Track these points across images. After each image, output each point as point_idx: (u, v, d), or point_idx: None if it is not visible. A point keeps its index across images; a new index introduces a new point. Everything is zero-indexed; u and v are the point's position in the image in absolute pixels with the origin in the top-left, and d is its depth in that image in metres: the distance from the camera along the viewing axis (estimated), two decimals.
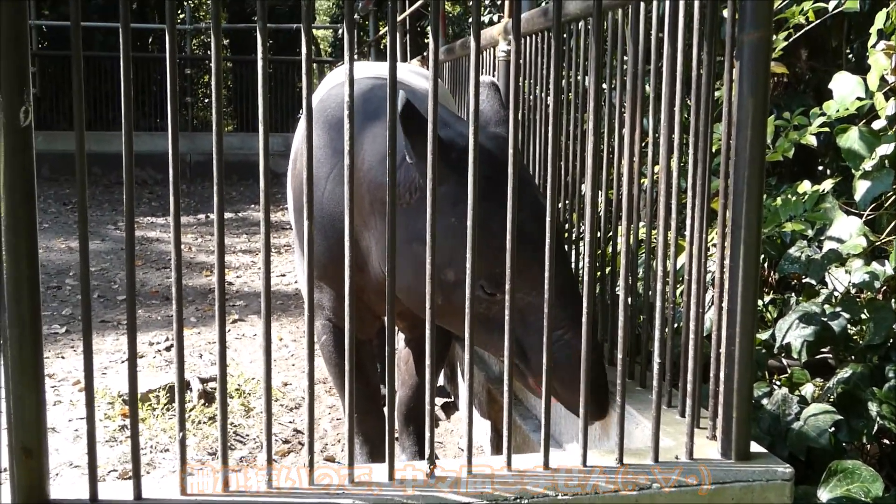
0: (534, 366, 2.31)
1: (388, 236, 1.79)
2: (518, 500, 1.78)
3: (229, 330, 5.91)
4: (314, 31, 19.11)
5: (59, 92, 16.10)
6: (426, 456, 1.86)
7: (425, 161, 2.28)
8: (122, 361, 5.22)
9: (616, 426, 1.96)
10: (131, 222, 1.70)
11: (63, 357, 5.33)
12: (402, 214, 2.39)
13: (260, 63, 1.69)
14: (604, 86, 2.78)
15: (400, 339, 3.52)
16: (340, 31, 16.09)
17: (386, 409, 1.85)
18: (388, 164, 1.78)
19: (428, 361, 1.83)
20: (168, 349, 5.53)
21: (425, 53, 6.37)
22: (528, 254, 2.19)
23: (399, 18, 8.06)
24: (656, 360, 1.95)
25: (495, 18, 8.13)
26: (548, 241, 1.87)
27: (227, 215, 10.39)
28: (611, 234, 2.76)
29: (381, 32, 12.82)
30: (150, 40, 18.60)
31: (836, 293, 2.89)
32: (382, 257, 2.58)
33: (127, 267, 1.70)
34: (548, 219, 1.88)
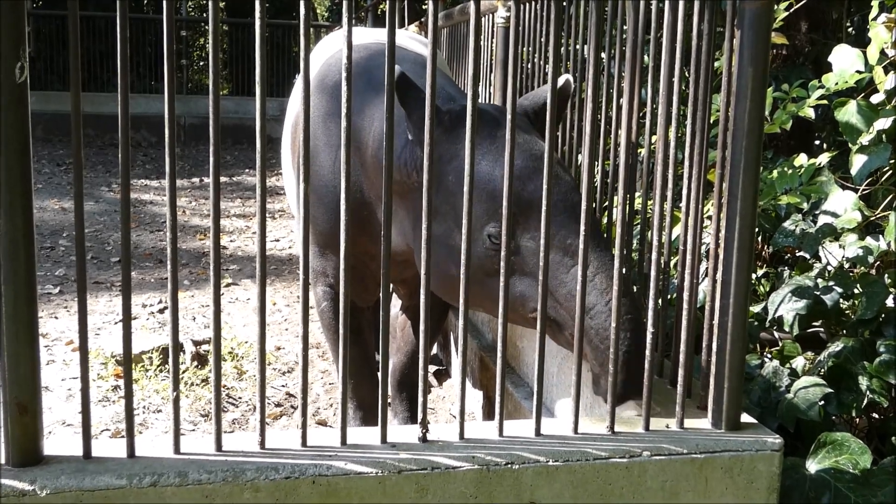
0: (564, 310, 2.14)
1: (385, 209, 1.79)
2: (509, 466, 1.79)
3: (222, 294, 5.91)
4: None
5: (54, 52, 15.97)
6: (419, 421, 1.87)
7: (422, 130, 2.29)
8: (116, 322, 5.23)
9: (609, 396, 1.97)
10: (127, 186, 1.69)
11: (56, 317, 5.33)
12: (414, 192, 2.39)
13: (258, 31, 1.68)
14: (603, 55, 2.77)
15: (396, 305, 3.53)
16: None
17: (380, 374, 1.86)
18: (386, 136, 1.77)
19: (422, 327, 1.84)
20: (161, 311, 5.53)
21: (423, 19, 6.32)
22: (532, 189, 2.15)
23: None
24: (649, 329, 1.95)
25: None
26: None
27: (222, 179, 10.34)
28: (606, 204, 2.76)
29: None
30: (146, 1, 18.42)
31: (829, 267, 2.90)
32: (396, 232, 2.57)
33: (122, 229, 1.69)
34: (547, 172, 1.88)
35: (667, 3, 2.06)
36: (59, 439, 3.55)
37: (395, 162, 2.45)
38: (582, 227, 1.88)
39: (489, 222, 2.19)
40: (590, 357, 2.10)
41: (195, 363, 4.40)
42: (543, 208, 1.85)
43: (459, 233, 2.21)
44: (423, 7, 12.91)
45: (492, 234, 2.19)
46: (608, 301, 2.00)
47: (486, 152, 2.23)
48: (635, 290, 2.46)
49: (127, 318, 1.72)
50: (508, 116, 1.80)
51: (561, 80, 2.49)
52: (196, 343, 4.58)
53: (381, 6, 11.88)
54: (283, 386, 4.36)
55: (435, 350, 4.66)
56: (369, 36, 3.22)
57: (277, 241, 7.95)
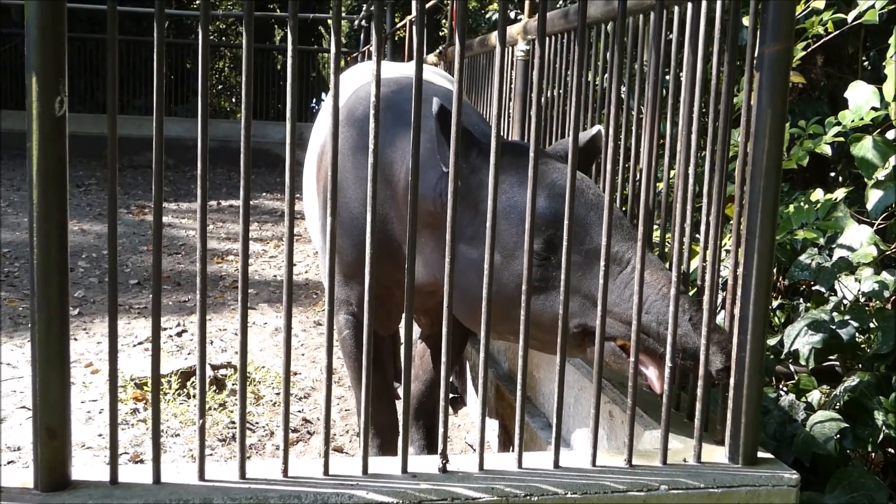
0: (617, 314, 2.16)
1: (409, 240, 1.82)
2: (528, 497, 1.82)
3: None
4: (328, 21, 19.15)
5: (75, 74, 16.16)
6: (438, 451, 1.89)
7: (463, 158, 2.35)
8: (134, 345, 5.27)
9: (626, 427, 1.99)
10: (159, 211, 1.73)
11: (76, 339, 5.38)
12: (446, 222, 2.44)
13: (290, 62, 1.73)
14: (623, 89, 2.81)
15: (415, 332, 3.56)
16: (356, 22, 16.10)
17: (400, 404, 1.89)
18: (412, 169, 1.81)
19: (444, 359, 1.87)
20: (179, 335, 5.58)
21: (441, 49, 6.39)
22: (580, 208, 2.23)
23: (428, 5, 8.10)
24: (667, 363, 1.98)
25: (513, 15, 8.14)
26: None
27: (238, 203, 10.42)
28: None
29: (396, 26, 12.84)
30: (167, 25, 18.64)
31: (845, 301, 2.91)
32: (424, 264, 2.62)
33: (154, 258, 1.73)
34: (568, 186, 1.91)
35: (687, 39, 2.10)
36: (82, 463, 3.59)
37: (429, 194, 2.50)
38: (601, 233, 1.92)
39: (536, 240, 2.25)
40: (646, 362, 2.12)
41: (213, 387, 4.44)
42: (563, 211, 1.88)
43: (498, 254, 2.28)
44: (441, 35, 13.02)
45: (535, 250, 2.25)
46: (661, 291, 2.07)
47: (524, 179, 2.29)
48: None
49: (156, 347, 1.76)
50: (533, 138, 1.84)
51: (593, 131, 2.56)
52: (214, 367, 4.62)
53: (399, 33, 11.98)
54: (299, 411, 4.39)
55: (451, 378, 4.68)
56: (397, 70, 3.27)
57: (295, 265, 7.98)
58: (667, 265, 2.25)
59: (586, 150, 2.58)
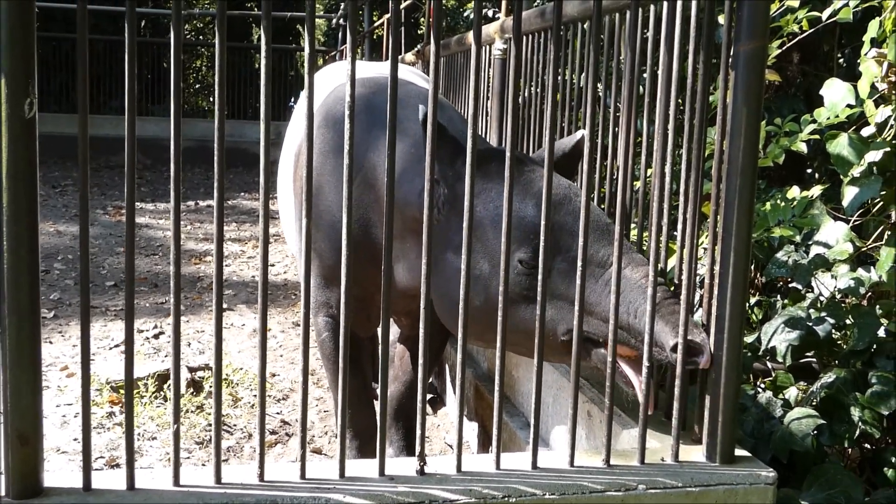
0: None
1: (385, 242, 1.81)
2: (506, 499, 1.81)
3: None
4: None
5: (49, 74, 16.01)
6: (416, 453, 1.88)
7: (448, 165, 2.34)
8: (110, 348, 5.23)
9: (603, 427, 1.99)
10: (132, 214, 1.71)
11: (51, 342, 5.33)
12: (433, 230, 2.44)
13: (263, 62, 1.71)
14: (599, 87, 2.81)
15: (394, 332, 3.55)
16: (334, 21, 16.05)
17: (378, 405, 1.87)
18: (388, 171, 1.80)
19: (421, 360, 1.86)
20: (156, 336, 5.54)
21: (419, 47, 6.38)
22: (567, 216, 2.23)
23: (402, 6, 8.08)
24: (645, 362, 1.97)
25: (490, 14, 8.14)
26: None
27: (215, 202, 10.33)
28: None
29: (375, 24, 12.81)
30: (143, 24, 18.51)
31: (821, 298, 2.92)
32: (408, 270, 2.61)
33: (126, 260, 1.71)
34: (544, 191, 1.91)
35: (662, 39, 2.10)
36: (56, 468, 3.55)
37: (414, 200, 2.48)
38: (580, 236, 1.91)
39: (518, 249, 2.25)
40: (627, 368, 2.12)
41: (190, 390, 4.40)
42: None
43: (486, 263, 2.28)
44: (419, 34, 13.00)
45: (523, 259, 2.25)
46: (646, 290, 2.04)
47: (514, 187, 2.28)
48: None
49: (129, 352, 1.74)
50: (509, 134, 1.83)
51: (577, 136, 2.55)
52: (191, 369, 4.58)
53: (378, 31, 11.95)
54: (278, 413, 4.37)
55: (430, 378, 4.68)
56: (373, 69, 3.25)
57: (273, 265, 7.96)
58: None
59: (571, 154, 2.56)
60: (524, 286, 2.25)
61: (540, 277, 1.92)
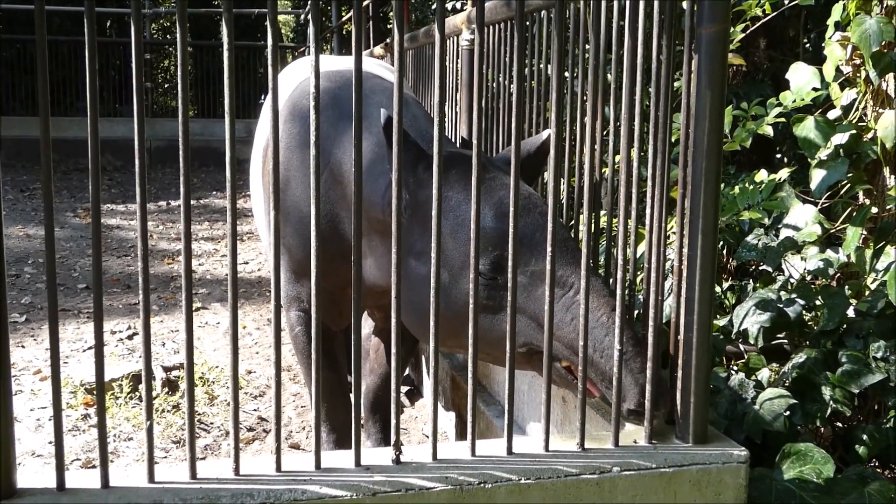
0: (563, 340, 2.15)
1: (354, 238, 1.81)
2: (482, 485, 1.82)
3: None
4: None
5: (16, 77, 15.83)
6: (392, 443, 1.89)
7: (410, 171, 2.31)
8: (84, 350, 5.19)
9: (578, 411, 2.00)
10: (97, 212, 1.70)
11: (23, 346, 5.28)
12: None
13: (226, 54, 1.70)
14: (566, 75, 2.81)
15: (368, 326, 3.54)
16: (302, 16, 15.98)
17: (352, 396, 1.87)
18: (354, 173, 1.80)
19: (394, 350, 1.86)
20: (130, 337, 5.50)
21: (388, 40, 6.37)
22: (525, 228, 2.20)
23: (364, 4, 8.05)
24: (616, 346, 1.99)
25: (458, 6, 8.13)
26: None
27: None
28: (573, 222, 2.80)
29: (343, 19, 12.77)
30: (109, 24, 18.33)
31: (791, 280, 2.95)
32: (377, 267, 2.60)
33: (94, 256, 1.70)
34: (511, 195, 1.91)
35: (627, 23, 2.11)
36: (32, 471, 3.52)
37: (377, 201, 2.47)
38: (548, 249, 1.92)
39: (481, 260, 2.20)
40: (596, 385, 2.13)
41: (166, 389, 4.38)
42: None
43: (445, 272, 2.24)
44: (389, 27, 12.97)
45: (481, 271, 2.20)
46: (601, 319, 2.07)
47: (470, 193, 2.26)
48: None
49: (99, 349, 1.73)
50: (475, 133, 1.84)
51: (543, 136, 2.53)
52: (166, 369, 4.56)
53: (347, 26, 11.92)
54: (255, 410, 4.36)
55: (407, 370, 4.68)
56: (339, 63, 3.24)
57: (247, 263, 7.93)
58: (614, 250, 2.26)
59: (537, 154, 2.54)
60: (483, 296, 2.20)
61: (510, 284, 1.90)
